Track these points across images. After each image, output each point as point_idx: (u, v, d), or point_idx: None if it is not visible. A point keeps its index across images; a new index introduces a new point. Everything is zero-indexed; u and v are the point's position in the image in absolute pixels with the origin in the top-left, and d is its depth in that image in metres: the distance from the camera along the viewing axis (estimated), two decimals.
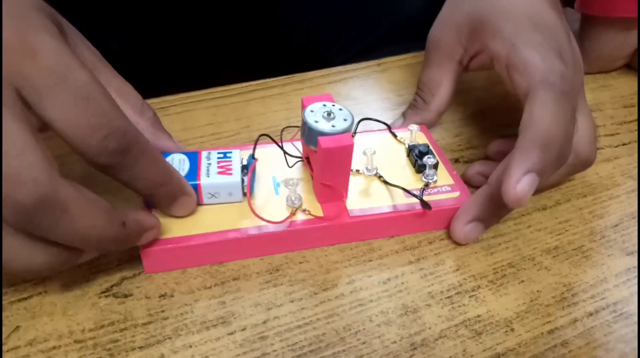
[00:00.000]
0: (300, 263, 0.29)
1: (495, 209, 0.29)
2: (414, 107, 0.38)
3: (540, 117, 0.27)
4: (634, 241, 0.32)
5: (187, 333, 0.26)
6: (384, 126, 0.36)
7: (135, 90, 0.31)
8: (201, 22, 0.51)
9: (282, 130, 0.32)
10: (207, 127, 0.38)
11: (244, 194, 0.29)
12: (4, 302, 0.27)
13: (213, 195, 0.29)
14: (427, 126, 0.36)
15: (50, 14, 0.24)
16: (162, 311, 0.26)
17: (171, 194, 0.27)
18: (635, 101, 0.44)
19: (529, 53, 0.29)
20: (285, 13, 0.53)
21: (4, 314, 0.26)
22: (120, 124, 0.23)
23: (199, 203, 0.29)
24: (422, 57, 0.39)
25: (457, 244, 0.31)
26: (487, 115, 0.42)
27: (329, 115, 0.28)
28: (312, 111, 0.29)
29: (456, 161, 0.37)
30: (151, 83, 0.40)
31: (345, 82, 0.44)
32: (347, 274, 0.29)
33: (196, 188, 0.28)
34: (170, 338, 0.25)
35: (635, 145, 0.39)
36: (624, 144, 0.39)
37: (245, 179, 0.29)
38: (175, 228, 0.28)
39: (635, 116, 0.43)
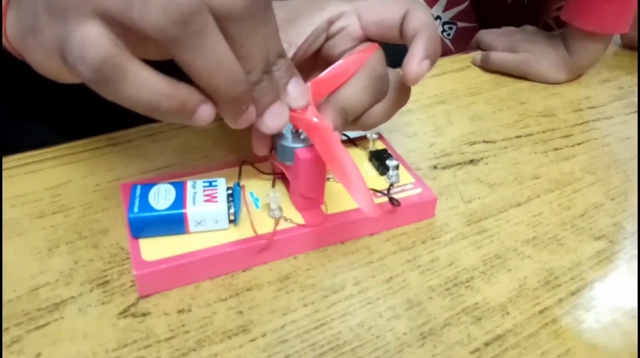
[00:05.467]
0: (308, 270, 0.31)
1: (437, 48, 0.32)
2: None
3: (428, 22, 0.32)
4: (600, 227, 0.35)
5: (210, 344, 0.27)
6: (345, 137, 0.39)
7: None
8: None
9: (271, 153, 0.34)
10: (198, 151, 0.40)
11: (230, 221, 0.30)
12: (20, 332, 0.27)
13: (199, 223, 0.30)
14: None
15: None
16: (183, 325, 0.27)
17: (234, 99, 0.24)
18: (583, 105, 0.49)
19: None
20: None
21: (22, 343, 0.26)
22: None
23: (185, 232, 0.30)
24: None
25: (448, 241, 0.33)
26: (456, 125, 0.45)
27: (297, 131, 0.31)
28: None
29: (434, 167, 0.40)
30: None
31: None
32: (353, 276, 0.31)
33: (183, 216, 0.29)
34: (194, 350, 0.26)
35: (589, 144, 0.44)
36: (578, 144, 0.44)
37: (231, 206, 0.30)
38: (165, 250, 0.29)
39: (585, 119, 0.47)
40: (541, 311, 0.29)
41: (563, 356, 0.27)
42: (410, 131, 0.44)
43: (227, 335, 0.27)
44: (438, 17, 0.68)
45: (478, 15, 0.59)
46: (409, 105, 0.47)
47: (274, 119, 0.27)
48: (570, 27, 0.51)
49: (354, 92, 0.32)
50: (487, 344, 0.28)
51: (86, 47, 0.21)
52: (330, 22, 0.34)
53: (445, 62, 0.55)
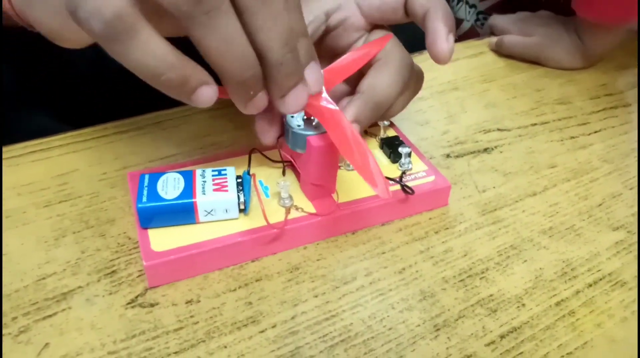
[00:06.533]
0: (318, 260, 0.30)
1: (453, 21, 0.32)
2: None
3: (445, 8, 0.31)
4: (618, 217, 0.34)
5: (219, 335, 0.26)
6: None
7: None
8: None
9: (278, 141, 0.33)
10: (207, 138, 0.39)
11: (240, 210, 0.30)
12: (27, 321, 0.26)
13: (209, 213, 0.29)
14: None
15: None
16: (192, 316, 0.27)
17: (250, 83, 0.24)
18: (600, 93, 0.48)
19: None
20: None
21: (30, 333, 0.26)
22: None
23: (195, 222, 0.29)
24: None
25: (462, 231, 0.33)
26: (470, 112, 0.44)
27: (309, 119, 0.30)
28: (292, 116, 0.30)
29: (447, 156, 0.39)
30: (136, 100, 0.40)
31: None
32: (364, 267, 0.30)
33: (192, 206, 0.28)
34: (204, 341, 0.26)
35: (606, 132, 0.43)
36: (595, 132, 0.43)
37: (241, 196, 0.29)
38: (175, 241, 0.28)
39: (602, 106, 0.46)
40: (558, 303, 0.29)
41: (580, 349, 0.27)
42: (422, 118, 0.43)
43: (236, 326, 0.27)
44: (474, 6, 0.67)
45: (512, 10, 0.58)
46: (420, 92, 0.46)
47: (294, 102, 0.25)
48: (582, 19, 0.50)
49: (386, 86, 0.31)
50: (502, 336, 0.27)
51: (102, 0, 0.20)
52: (328, 15, 0.33)
53: (459, 48, 0.54)
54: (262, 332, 0.26)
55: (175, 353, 0.25)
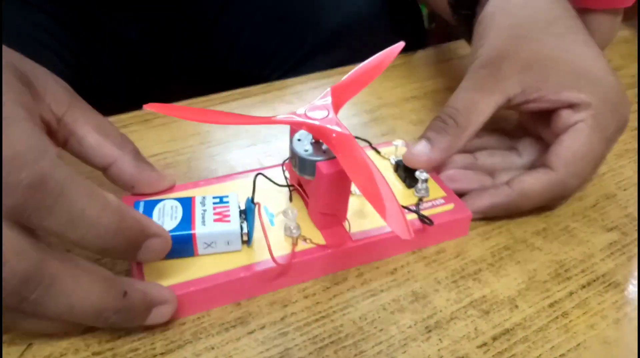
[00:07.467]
0: None
1: (506, 213, 0.33)
2: (442, 131, 0.31)
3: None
4: (611, 218, 0.34)
5: (207, 336, 0.26)
6: (366, 143, 0.35)
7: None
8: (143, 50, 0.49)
9: (283, 164, 0.32)
10: (195, 136, 0.39)
11: (243, 242, 0.27)
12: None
13: (209, 245, 0.27)
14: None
15: (14, 69, 0.23)
16: (179, 317, 0.26)
17: (132, 242, 0.23)
18: None
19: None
20: (220, 37, 0.56)
21: (13, 333, 0.25)
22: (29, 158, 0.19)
23: (194, 255, 0.27)
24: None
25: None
26: None
27: (318, 142, 0.28)
28: (299, 140, 0.28)
29: None
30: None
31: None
32: (355, 267, 0.30)
33: (191, 238, 0.26)
34: (190, 342, 0.25)
35: None
36: None
37: (244, 226, 0.27)
38: (171, 276, 0.26)
39: None
40: (551, 305, 0.28)
41: (573, 351, 0.26)
42: (416, 118, 0.42)
43: (224, 327, 0.26)
44: None
45: None
46: (414, 92, 0.46)
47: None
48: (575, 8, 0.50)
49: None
50: (495, 338, 0.26)
51: None
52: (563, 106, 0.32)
53: (453, 49, 0.53)
54: (250, 333, 0.26)
55: (162, 354, 0.25)
